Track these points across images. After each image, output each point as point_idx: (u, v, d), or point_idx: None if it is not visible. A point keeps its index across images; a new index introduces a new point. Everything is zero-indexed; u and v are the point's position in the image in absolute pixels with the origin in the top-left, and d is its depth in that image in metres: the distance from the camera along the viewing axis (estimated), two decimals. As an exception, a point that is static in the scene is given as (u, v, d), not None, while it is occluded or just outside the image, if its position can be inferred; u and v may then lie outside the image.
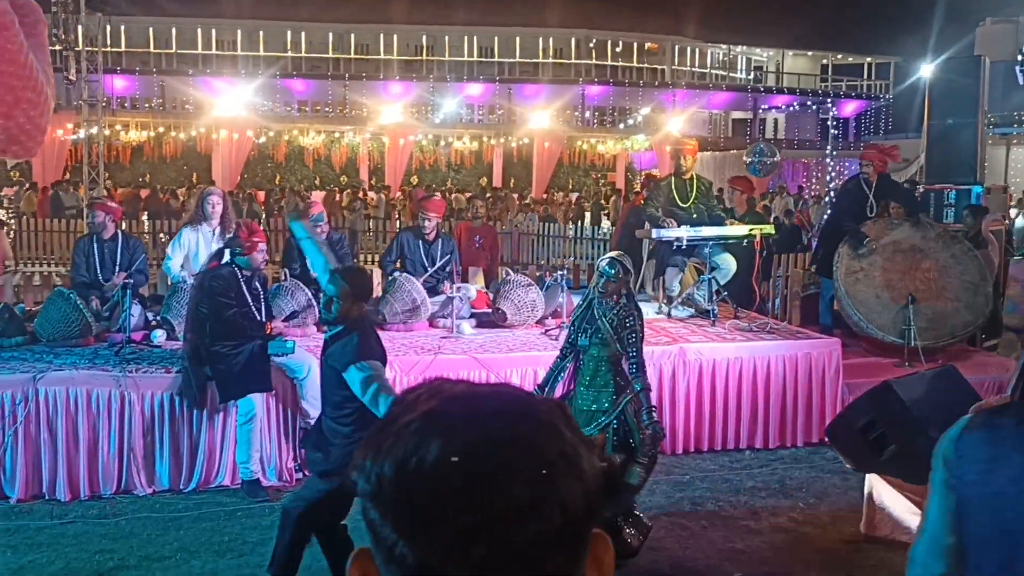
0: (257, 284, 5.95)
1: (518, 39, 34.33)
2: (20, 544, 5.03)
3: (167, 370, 6.04)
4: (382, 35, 33.70)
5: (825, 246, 8.73)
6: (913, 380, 5.48)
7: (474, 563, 0.75)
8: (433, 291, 7.55)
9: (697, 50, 38.70)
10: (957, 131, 11.27)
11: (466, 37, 34.08)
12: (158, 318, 6.98)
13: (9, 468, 5.76)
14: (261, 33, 32.96)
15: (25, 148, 2.67)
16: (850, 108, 36.52)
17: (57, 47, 15.63)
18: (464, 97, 31.04)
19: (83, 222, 15.83)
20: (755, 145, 19.18)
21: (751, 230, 8.11)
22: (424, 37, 34.27)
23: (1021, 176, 28.03)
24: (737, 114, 37.79)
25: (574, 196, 29.84)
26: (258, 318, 5.88)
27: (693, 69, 38.22)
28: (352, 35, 33.71)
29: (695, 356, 6.84)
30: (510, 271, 8.98)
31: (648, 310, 8.06)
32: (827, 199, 21.65)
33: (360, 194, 25.43)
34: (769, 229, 8.80)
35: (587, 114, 32.22)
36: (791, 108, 37.20)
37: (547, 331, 7.29)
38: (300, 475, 6.01)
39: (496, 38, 34.47)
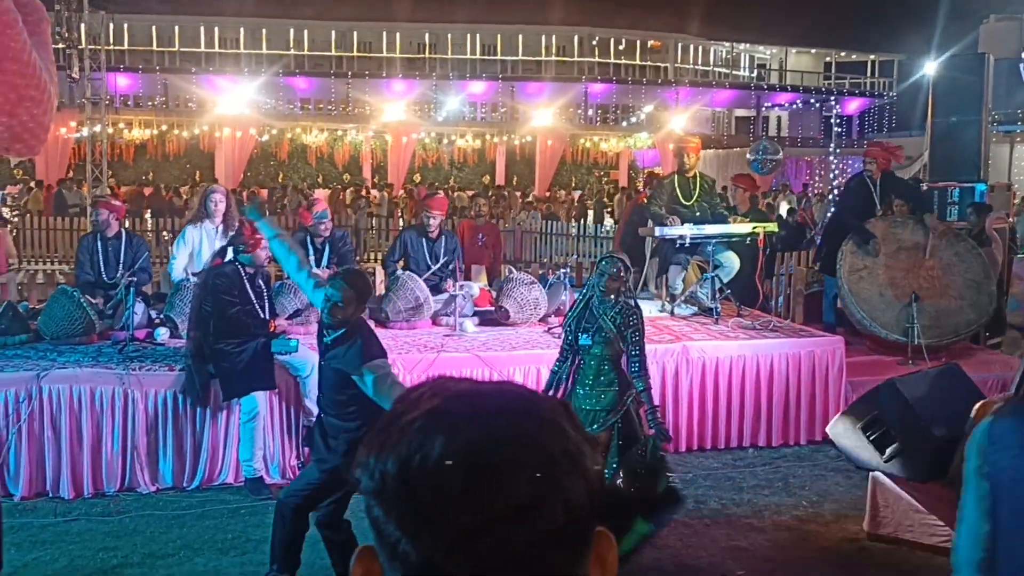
0: (260, 282, 5.95)
1: (521, 37, 34.32)
2: (24, 542, 5.04)
3: (170, 368, 6.04)
4: (385, 33, 33.70)
5: (829, 244, 8.72)
6: (916, 378, 5.48)
7: (477, 561, 0.75)
8: (436, 289, 7.56)
9: (700, 48, 38.66)
10: (961, 129, 11.25)
11: (469, 35, 34.07)
12: (161, 316, 6.98)
13: (13, 466, 5.77)
14: (264, 31, 32.98)
15: (28, 146, 2.67)
16: (853, 106, 36.44)
17: (60, 45, 15.64)
18: (467, 95, 31.02)
19: (86, 220, 15.85)
20: (758, 143, 19.17)
21: (754, 228, 8.11)
22: (427, 35, 34.27)
23: (1025, 174, 27.98)
24: (740, 112, 37.72)
25: (577, 194, 29.83)
26: (262, 316, 5.88)
27: (696, 67, 38.18)
28: (355, 33, 33.72)
29: (698, 354, 6.83)
30: (513, 269, 8.98)
31: (651, 308, 8.07)
32: (830, 197, 21.62)
33: (363, 192, 25.45)
34: (772, 227, 8.79)
35: (590, 112, 32.18)
36: (794, 106, 37.13)
37: (550, 329, 7.28)
38: None
39: (499, 36, 34.46)
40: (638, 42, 36.59)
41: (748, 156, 18.39)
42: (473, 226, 9.35)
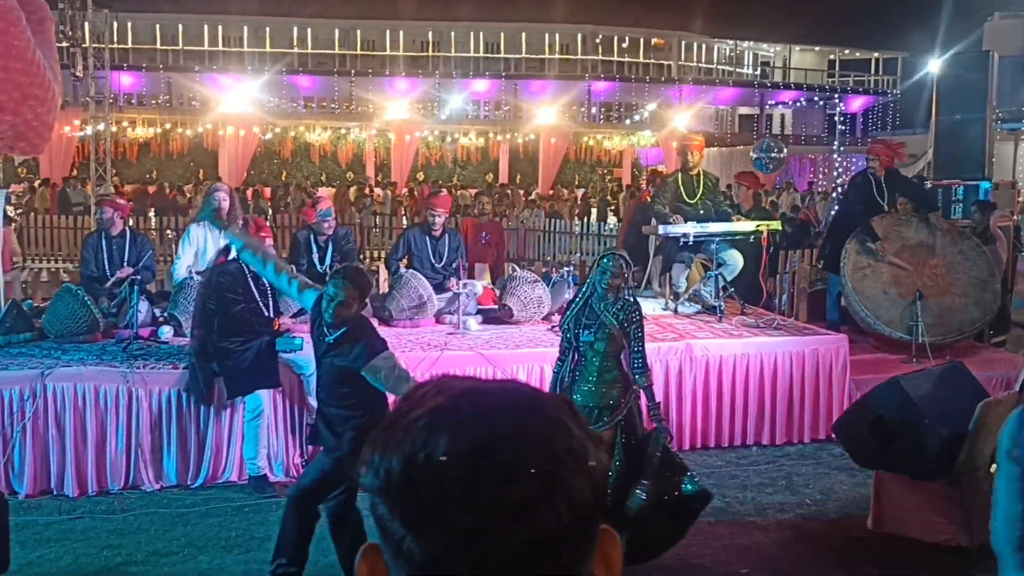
0: (264, 280, 5.95)
1: (524, 35, 34.28)
2: (28, 539, 5.05)
3: (174, 366, 6.05)
4: (388, 31, 33.67)
5: (832, 242, 8.71)
6: (921, 376, 5.47)
7: (482, 558, 0.75)
8: (439, 287, 7.56)
9: (704, 45, 38.59)
10: (965, 126, 11.24)
11: (472, 33, 34.05)
12: (165, 314, 6.99)
13: (17, 464, 5.78)
14: (267, 29, 32.97)
15: (32, 145, 2.68)
16: (857, 104, 36.39)
17: (64, 44, 15.66)
18: (470, 93, 31.00)
19: (90, 219, 15.87)
20: (762, 141, 19.13)
21: (758, 226, 8.10)
22: (430, 33, 34.25)
23: (1029, 172, 27.90)
24: (744, 110, 37.66)
25: (580, 192, 29.81)
26: (266, 314, 5.89)
27: (699, 65, 38.12)
28: (358, 31, 33.70)
29: (702, 352, 6.83)
30: (516, 267, 8.97)
31: (655, 306, 8.07)
32: (834, 195, 21.59)
33: (366, 190, 25.46)
34: (776, 225, 8.79)
35: (593, 110, 32.16)
36: (798, 104, 37.06)
37: (553, 327, 7.28)
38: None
39: (502, 34, 34.42)
40: (641, 40, 36.53)
41: (752, 154, 18.34)
42: (477, 224, 9.36)
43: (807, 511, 5.75)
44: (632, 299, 4.89)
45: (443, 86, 30.01)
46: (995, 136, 13.20)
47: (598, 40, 35.57)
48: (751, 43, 40.72)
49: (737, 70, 39.84)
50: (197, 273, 6.94)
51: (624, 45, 36.17)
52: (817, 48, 41.58)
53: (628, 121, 32.32)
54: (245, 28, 32.98)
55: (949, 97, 11.42)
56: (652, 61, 36.80)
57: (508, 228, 16.70)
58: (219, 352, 5.76)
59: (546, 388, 5.20)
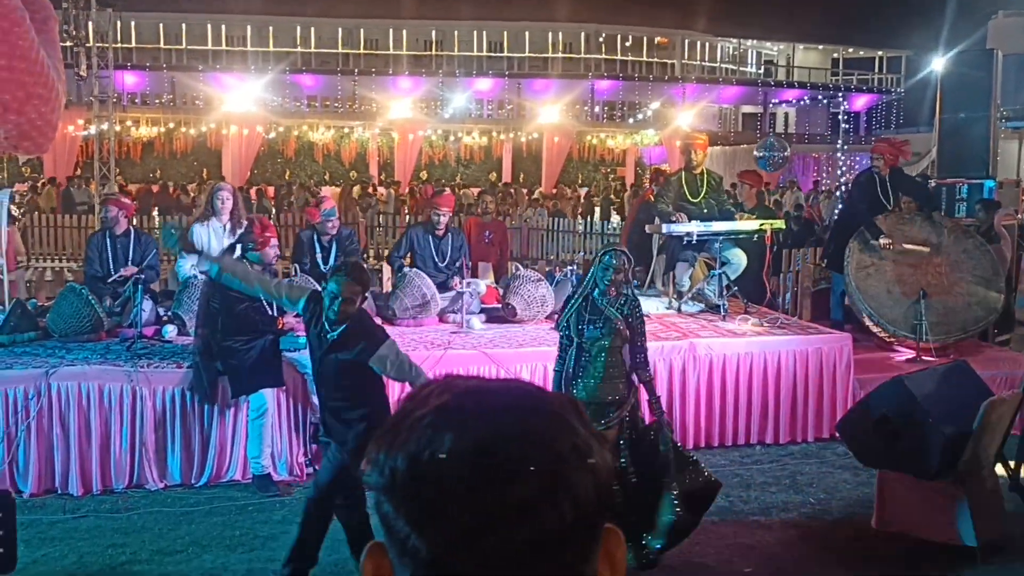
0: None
1: (527, 34, 34.27)
2: (33, 538, 5.06)
3: (178, 365, 6.06)
4: (391, 30, 33.68)
5: (836, 241, 8.70)
6: (924, 375, 5.46)
7: (486, 556, 0.75)
8: (443, 286, 7.56)
9: (707, 44, 38.55)
10: (969, 125, 11.21)
11: (475, 32, 34.04)
12: (169, 313, 7.00)
13: (22, 463, 5.79)
14: (271, 28, 32.98)
15: (36, 144, 2.68)
16: (861, 102, 36.32)
17: (68, 43, 15.66)
18: (473, 92, 30.98)
19: (95, 218, 15.89)
20: (765, 139, 19.11)
21: (762, 225, 8.09)
22: (433, 32, 34.25)
23: (1034, 170, 27.82)
24: (747, 108, 37.62)
25: (583, 191, 29.80)
26: (269, 313, 5.90)
27: (703, 63, 38.07)
28: (361, 30, 33.69)
29: (705, 351, 6.82)
30: (520, 266, 8.98)
31: (658, 305, 8.07)
32: (838, 193, 21.56)
33: (370, 189, 25.47)
34: (779, 224, 8.77)
35: (596, 108, 32.13)
36: (802, 102, 37.00)
37: (557, 326, 7.28)
38: (311, 470, 6.03)
39: (505, 33, 34.41)
40: (645, 39, 36.49)
41: (755, 153, 18.32)
42: (480, 223, 9.36)
43: (811, 510, 5.74)
44: (633, 294, 4.93)
45: (446, 85, 30.00)
46: (999, 134, 13.16)
47: (601, 39, 35.54)
48: (755, 42, 40.66)
49: (741, 69, 39.79)
50: (201, 272, 6.95)
51: (627, 44, 36.13)
52: (821, 47, 41.52)
53: (631, 120, 32.29)
54: (248, 27, 32.99)
55: (953, 95, 11.39)
56: (655, 60, 36.75)
57: (511, 227, 16.68)
58: (223, 351, 5.77)
59: (549, 387, 5.20)
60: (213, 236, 7.33)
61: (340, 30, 33.42)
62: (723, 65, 39.19)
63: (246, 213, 7.77)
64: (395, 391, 6.09)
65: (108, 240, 7.30)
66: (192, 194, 23.66)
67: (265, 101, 28.48)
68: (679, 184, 8.17)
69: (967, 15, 29.51)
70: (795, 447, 6.95)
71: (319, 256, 7.34)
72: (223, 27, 32.60)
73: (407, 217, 20.76)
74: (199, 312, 5.99)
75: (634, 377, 4.91)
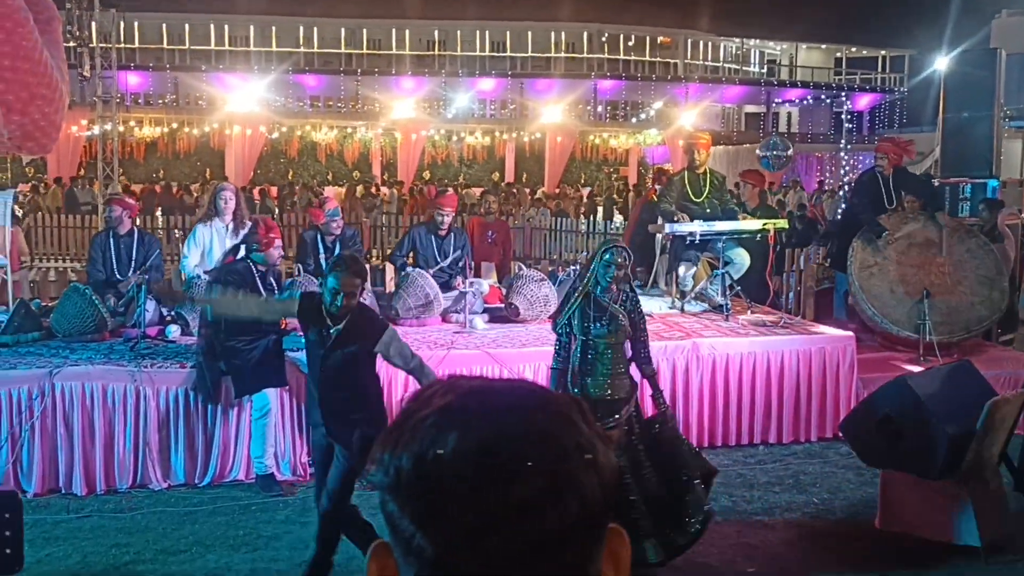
0: (272, 279, 5.97)
1: (530, 33, 34.27)
2: (37, 538, 5.07)
3: (182, 365, 6.07)
4: (394, 30, 33.70)
5: (840, 240, 8.69)
6: (928, 375, 5.46)
7: (490, 556, 0.75)
8: (446, 286, 7.56)
9: (710, 44, 38.54)
10: (972, 124, 11.20)
11: (478, 32, 34.05)
12: (173, 313, 7.01)
13: (26, 462, 5.80)
14: (273, 28, 33.01)
15: (40, 144, 2.68)
16: (864, 101, 36.28)
17: (71, 43, 15.68)
18: (476, 92, 30.99)
19: (98, 218, 15.90)
20: (768, 139, 19.10)
21: (765, 224, 8.08)
22: (436, 32, 34.26)
23: (1037, 169, 27.73)
24: (750, 108, 37.60)
25: (586, 191, 29.80)
26: (272, 313, 5.89)
27: (706, 63, 38.06)
28: (364, 30, 33.72)
29: (708, 351, 6.82)
30: (522, 266, 8.99)
31: (661, 305, 8.06)
32: (841, 193, 21.55)
33: (373, 189, 25.47)
34: (782, 223, 8.76)
35: (599, 108, 32.13)
36: (805, 102, 36.99)
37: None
38: (314, 470, 6.03)
39: (508, 32, 34.42)
40: (647, 38, 36.49)
41: (758, 152, 18.31)
42: (483, 223, 9.35)
43: (814, 510, 5.74)
44: (632, 289, 4.95)
45: (449, 85, 30.01)
46: (1003, 134, 13.15)
47: (604, 39, 35.54)
48: (757, 41, 40.64)
49: (744, 68, 39.77)
50: (205, 272, 6.96)
51: (630, 43, 36.12)
52: (824, 46, 41.49)
53: (634, 119, 32.30)
54: (251, 27, 33.03)
55: (956, 95, 11.38)
56: (658, 59, 36.75)
57: (514, 227, 16.67)
58: (226, 351, 5.77)
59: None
60: (216, 236, 7.34)
61: (343, 30, 33.45)
62: (726, 65, 39.17)
63: (249, 213, 7.77)
64: (397, 391, 6.10)
65: (112, 240, 7.31)
66: (195, 194, 23.68)
67: (268, 101, 28.51)
68: (682, 184, 8.16)
69: (970, 14, 29.45)
70: (798, 447, 6.95)
71: (323, 256, 7.34)
72: (226, 27, 32.64)
73: (409, 218, 20.77)
74: (203, 312, 6.00)
75: (635, 373, 4.95)
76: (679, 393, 6.70)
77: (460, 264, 7.79)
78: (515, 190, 26.19)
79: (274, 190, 25.49)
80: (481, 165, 33.51)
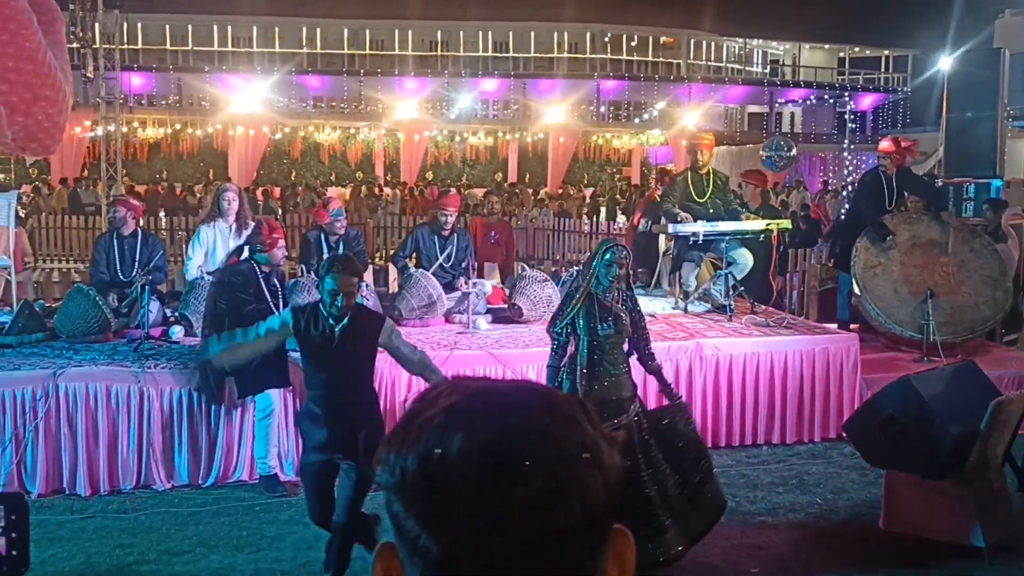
0: (275, 280, 5.97)
1: (533, 34, 34.28)
2: (41, 539, 5.07)
3: (185, 366, 6.07)
4: (397, 31, 33.73)
5: (843, 240, 8.68)
6: (932, 375, 5.45)
7: (494, 556, 0.75)
8: (449, 287, 7.56)
9: (713, 44, 38.53)
10: (976, 124, 11.19)
11: (481, 32, 34.06)
12: (176, 314, 7.02)
13: (30, 463, 5.81)
14: (276, 29, 33.06)
15: (44, 145, 2.69)
16: (867, 101, 36.25)
17: (75, 45, 15.71)
18: (479, 92, 31.01)
19: (102, 219, 15.92)
20: (772, 139, 19.10)
21: (768, 225, 8.08)
22: (439, 32, 34.28)
23: (1041, 169, 27.70)
24: (753, 108, 37.57)
25: (589, 191, 29.80)
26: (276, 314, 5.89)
27: (709, 63, 38.05)
28: (367, 31, 33.76)
29: (712, 351, 6.81)
30: (525, 266, 8.99)
31: (664, 305, 8.06)
32: (844, 193, 21.52)
33: (376, 190, 25.49)
34: (786, 223, 8.76)
35: (602, 108, 32.13)
36: (808, 102, 36.97)
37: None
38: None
39: (511, 33, 34.43)
40: (650, 38, 36.48)
41: (761, 152, 18.32)
42: (486, 224, 9.35)
43: (818, 510, 5.73)
44: (629, 286, 4.97)
45: (452, 85, 30.03)
46: (1006, 134, 13.14)
47: (607, 39, 35.55)
48: (760, 41, 40.62)
49: (746, 68, 39.76)
50: (208, 273, 6.96)
51: (633, 44, 36.12)
52: (827, 46, 41.46)
53: (637, 120, 32.30)
54: (254, 28, 33.07)
55: (960, 95, 11.37)
56: (661, 60, 36.75)
57: (517, 227, 16.67)
58: (230, 352, 5.77)
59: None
60: (219, 237, 7.34)
61: (346, 31, 33.47)
62: (729, 65, 39.16)
63: (252, 214, 7.78)
64: (400, 392, 6.11)
65: (116, 241, 7.32)
66: (198, 195, 23.70)
67: (271, 102, 28.55)
68: (685, 184, 8.16)
69: (974, 14, 29.43)
70: (802, 447, 6.94)
71: (326, 257, 7.34)
72: (229, 28, 32.67)
73: (412, 219, 20.77)
74: (206, 313, 6.00)
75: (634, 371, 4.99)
76: (682, 394, 6.68)
77: (463, 265, 7.79)
78: (518, 190, 26.19)
79: (277, 191, 25.49)
80: (484, 166, 33.52)
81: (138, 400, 5.89)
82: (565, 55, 34.91)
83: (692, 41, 37.51)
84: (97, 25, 16.44)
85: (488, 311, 7.61)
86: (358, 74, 30.05)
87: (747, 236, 8.00)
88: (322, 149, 31.35)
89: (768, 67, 40.99)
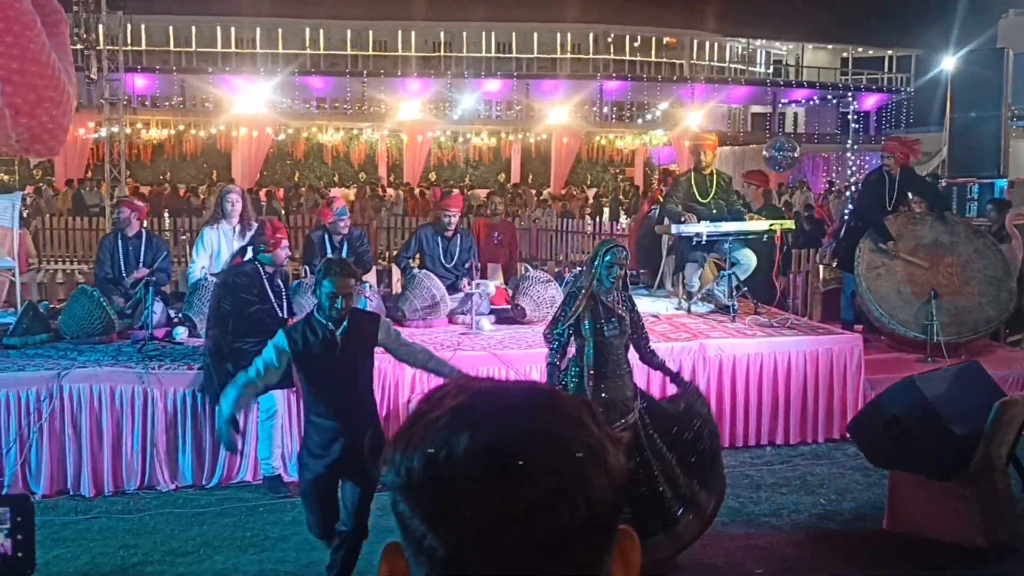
0: (279, 281, 5.97)
1: (536, 34, 34.28)
2: (45, 539, 5.08)
3: (189, 367, 6.08)
4: (400, 32, 33.74)
5: (847, 241, 8.67)
6: (936, 376, 5.44)
7: (502, 555, 0.76)
8: (452, 288, 7.56)
9: (716, 44, 38.50)
10: (980, 124, 11.18)
11: (484, 33, 34.07)
12: (180, 315, 7.03)
13: (34, 464, 5.82)
14: (280, 31, 33.08)
15: (48, 147, 2.70)
16: (871, 102, 36.19)
17: (78, 46, 15.75)
18: (482, 93, 31.00)
19: (106, 220, 15.95)
20: (775, 139, 19.06)
21: (771, 225, 8.07)
22: (442, 33, 34.29)
23: (1045, 169, 27.62)
24: (756, 108, 37.51)
25: (592, 192, 29.79)
26: (280, 315, 5.89)
27: (712, 63, 38.03)
28: (370, 32, 33.77)
29: (715, 352, 6.81)
30: (529, 267, 8.98)
31: (667, 306, 8.05)
32: (848, 193, 21.49)
33: (379, 191, 25.49)
34: (789, 224, 8.75)
35: (605, 109, 32.10)
36: (811, 102, 36.90)
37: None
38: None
39: (514, 34, 34.43)
40: (653, 39, 36.46)
41: (764, 153, 18.28)
42: (489, 224, 9.36)
43: (822, 511, 5.73)
44: (626, 287, 5.01)
45: (455, 86, 30.03)
46: (1010, 134, 13.12)
47: (610, 39, 35.53)
48: (763, 41, 40.59)
49: (749, 69, 39.72)
50: (212, 274, 6.97)
51: (636, 44, 36.11)
52: (830, 46, 41.41)
53: (640, 120, 32.27)
54: (258, 29, 33.10)
55: (963, 95, 11.36)
56: (664, 60, 36.72)
57: (520, 228, 16.68)
58: (234, 353, 5.77)
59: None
60: (223, 239, 7.35)
61: (349, 32, 33.49)
62: (732, 65, 39.12)
63: (256, 215, 7.79)
64: (404, 392, 6.11)
65: (120, 242, 7.34)
66: (202, 196, 23.73)
67: (274, 103, 28.56)
68: (688, 184, 8.16)
69: (977, 14, 29.39)
70: (806, 448, 6.93)
71: (330, 255, 7.35)
72: (232, 29, 32.70)
73: (415, 219, 20.79)
74: (210, 314, 6.01)
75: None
76: (686, 394, 6.69)
77: (466, 265, 7.79)
78: (521, 191, 26.18)
79: (280, 192, 25.52)
80: (487, 166, 33.52)
81: (142, 401, 5.90)
82: (568, 56, 34.89)
83: (695, 41, 37.49)
84: (101, 26, 16.47)
85: (491, 312, 7.61)
86: (361, 75, 30.06)
87: (750, 236, 8.00)
88: (325, 150, 31.37)
89: (771, 67, 40.96)
